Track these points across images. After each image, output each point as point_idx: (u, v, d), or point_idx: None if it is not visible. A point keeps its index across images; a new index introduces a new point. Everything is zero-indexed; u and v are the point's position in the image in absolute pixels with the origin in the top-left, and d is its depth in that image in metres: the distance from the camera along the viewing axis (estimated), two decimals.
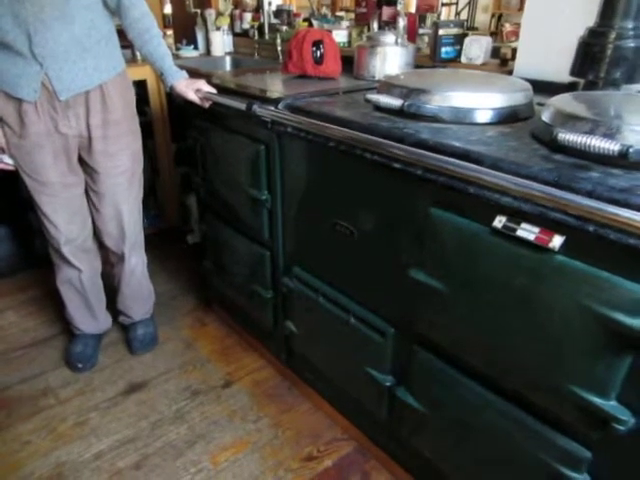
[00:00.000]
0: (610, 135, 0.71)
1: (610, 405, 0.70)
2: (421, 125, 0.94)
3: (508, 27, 2.16)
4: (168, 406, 1.45)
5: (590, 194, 0.66)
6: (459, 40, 1.52)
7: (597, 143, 0.70)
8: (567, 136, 0.73)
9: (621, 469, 0.76)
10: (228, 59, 2.37)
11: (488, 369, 0.88)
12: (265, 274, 1.39)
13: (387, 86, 1.04)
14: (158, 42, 1.33)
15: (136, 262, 1.58)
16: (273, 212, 1.28)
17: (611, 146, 0.69)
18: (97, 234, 1.52)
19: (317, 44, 1.43)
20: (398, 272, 0.96)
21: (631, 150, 0.68)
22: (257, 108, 1.15)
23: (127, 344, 1.68)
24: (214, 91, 1.31)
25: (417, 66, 1.54)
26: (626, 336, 0.66)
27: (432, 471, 1.09)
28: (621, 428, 0.70)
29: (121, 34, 1.36)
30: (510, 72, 1.39)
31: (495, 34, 2.37)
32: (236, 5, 2.53)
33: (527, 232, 0.73)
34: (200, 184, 1.59)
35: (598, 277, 0.67)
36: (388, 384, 1.08)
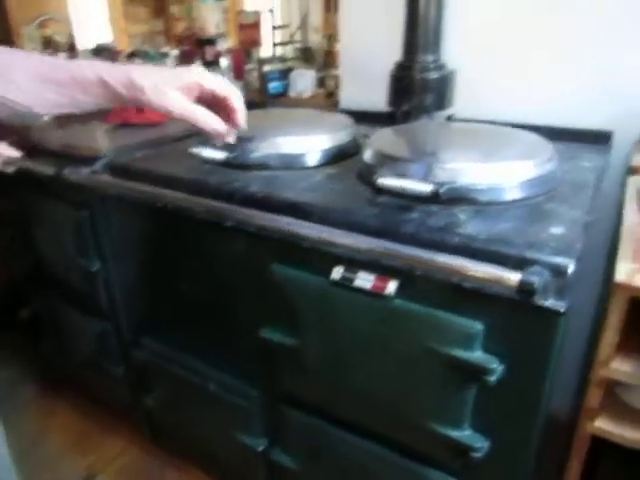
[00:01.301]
0: (424, 175, 0.74)
1: (465, 435, 0.72)
2: (251, 175, 0.90)
3: (337, 47, 2.26)
4: None
5: (413, 237, 0.67)
6: (285, 74, 1.53)
7: (412, 186, 0.73)
8: (386, 181, 0.75)
9: None
10: None
11: (356, 416, 0.86)
12: (111, 349, 1.24)
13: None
14: None
15: None
16: (109, 281, 1.15)
17: (424, 188, 0.71)
18: None
19: None
20: (251, 332, 0.91)
21: (442, 190, 0.71)
22: (68, 173, 1.02)
23: None
24: (16, 155, 1.14)
25: (248, 102, 1.51)
26: (467, 369, 0.68)
27: None
28: (477, 455, 0.72)
29: None
30: (337, 103, 1.44)
31: (331, 52, 2.47)
32: (47, 45, 2.29)
33: (364, 281, 0.72)
34: (25, 253, 1.38)
35: (434, 317, 0.68)
36: (261, 448, 1.02)
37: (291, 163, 0.93)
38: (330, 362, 0.82)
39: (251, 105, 1.48)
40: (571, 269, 0.58)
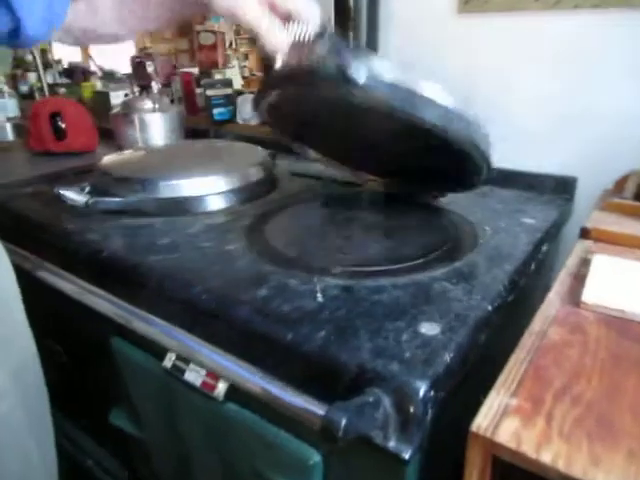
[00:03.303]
0: None
1: None
2: (121, 223, 0.76)
3: None
4: None
5: (246, 324, 0.51)
6: (232, 100, 1.39)
7: None
8: None
9: None
10: (8, 126, 2.05)
11: None
12: None
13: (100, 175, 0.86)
14: None
15: None
16: None
17: None
18: None
19: (55, 116, 1.22)
20: (104, 414, 0.75)
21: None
22: None
23: None
24: None
25: (192, 130, 1.39)
26: None
27: None
28: None
29: None
30: None
31: None
32: (18, 64, 2.24)
33: (195, 375, 0.56)
34: None
35: (267, 435, 0.51)
36: None
37: (172, 209, 0.78)
38: (176, 461, 0.66)
39: (189, 133, 1.36)
40: (421, 396, 0.41)
